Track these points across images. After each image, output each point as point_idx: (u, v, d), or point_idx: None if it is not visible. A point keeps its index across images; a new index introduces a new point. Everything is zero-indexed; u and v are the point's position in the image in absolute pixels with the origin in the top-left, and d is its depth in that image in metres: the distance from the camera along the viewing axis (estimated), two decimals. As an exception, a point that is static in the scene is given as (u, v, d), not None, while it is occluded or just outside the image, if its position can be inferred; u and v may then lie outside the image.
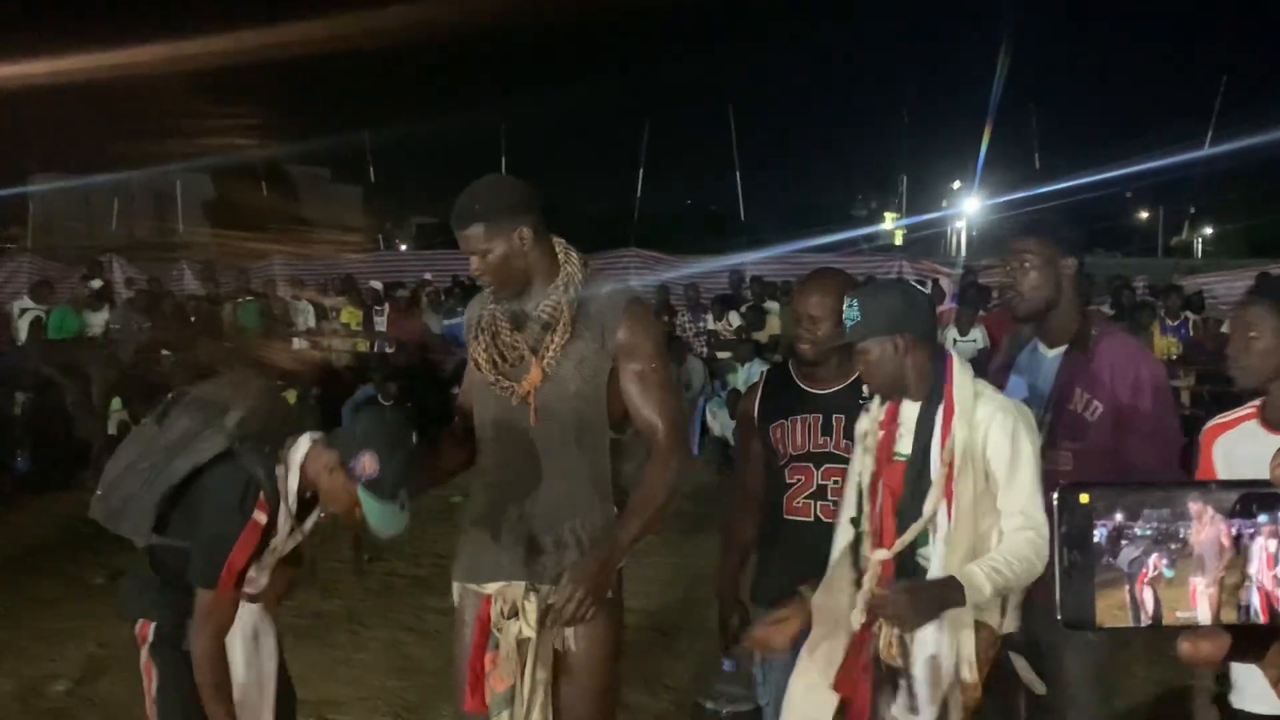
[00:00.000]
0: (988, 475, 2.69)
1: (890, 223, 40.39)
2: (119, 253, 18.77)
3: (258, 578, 2.93)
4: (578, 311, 2.85)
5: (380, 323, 13.60)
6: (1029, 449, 2.69)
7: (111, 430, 9.60)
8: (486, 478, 2.98)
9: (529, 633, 2.82)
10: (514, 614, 2.85)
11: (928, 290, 13.33)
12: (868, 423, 2.90)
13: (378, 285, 15.17)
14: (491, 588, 2.91)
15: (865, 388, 3.02)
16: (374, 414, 2.94)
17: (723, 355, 11.99)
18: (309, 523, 2.99)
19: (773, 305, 12.87)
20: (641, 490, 2.82)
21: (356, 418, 2.94)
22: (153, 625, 2.96)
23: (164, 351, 10.73)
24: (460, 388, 3.21)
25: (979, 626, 2.67)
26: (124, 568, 6.23)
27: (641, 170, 20.74)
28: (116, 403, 9.94)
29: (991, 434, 2.69)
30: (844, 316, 2.84)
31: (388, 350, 13.04)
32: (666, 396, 2.86)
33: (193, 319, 12.66)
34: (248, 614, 2.99)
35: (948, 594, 2.60)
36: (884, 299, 2.81)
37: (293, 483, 2.87)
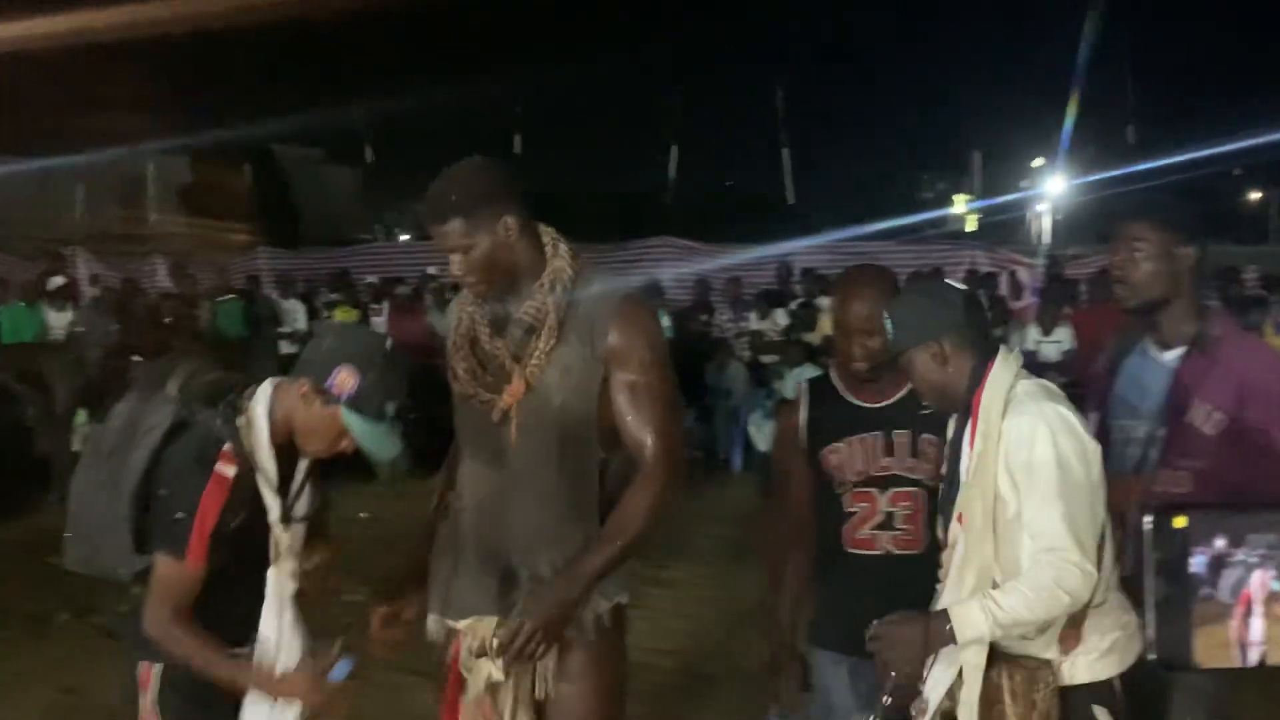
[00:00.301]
0: (1016, 491, 2.66)
1: (961, 206, 40.19)
2: (83, 245, 18.94)
3: (286, 565, 2.85)
4: (566, 313, 2.85)
5: (379, 324, 13.67)
6: (1049, 457, 2.62)
7: (76, 446, 9.68)
8: (462, 499, 3.02)
9: (498, 675, 2.85)
10: (484, 653, 2.87)
11: (1003, 282, 13.29)
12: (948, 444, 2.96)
13: (375, 281, 15.25)
14: (463, 623, 2.94)
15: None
16: (338, 325, 2.87)
17: (768, 359, 11.99)
18: (298, 483, 2.91)
19: (825, 302, 12.84)
20: (615, 516, 2.80)
21: (320, 331, 2.88)
22: (156, 669, 2.85)
23: (135, 357, 10.83)
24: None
25: (1016, 662, 2.66)
26: (92, 604, 6.33)
27: (675, 148, 20.74)
28: (81, 415, 10.03)
29: (1009, 443, 2.68)
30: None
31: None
32: (660, 411, 2.82)
33: (167, 320, 12.76)
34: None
35: (934, 630, 2.62)
36: (916, 304, 2.91)
37: (262, 434, 2.79)
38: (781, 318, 12.71)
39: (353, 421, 2.75)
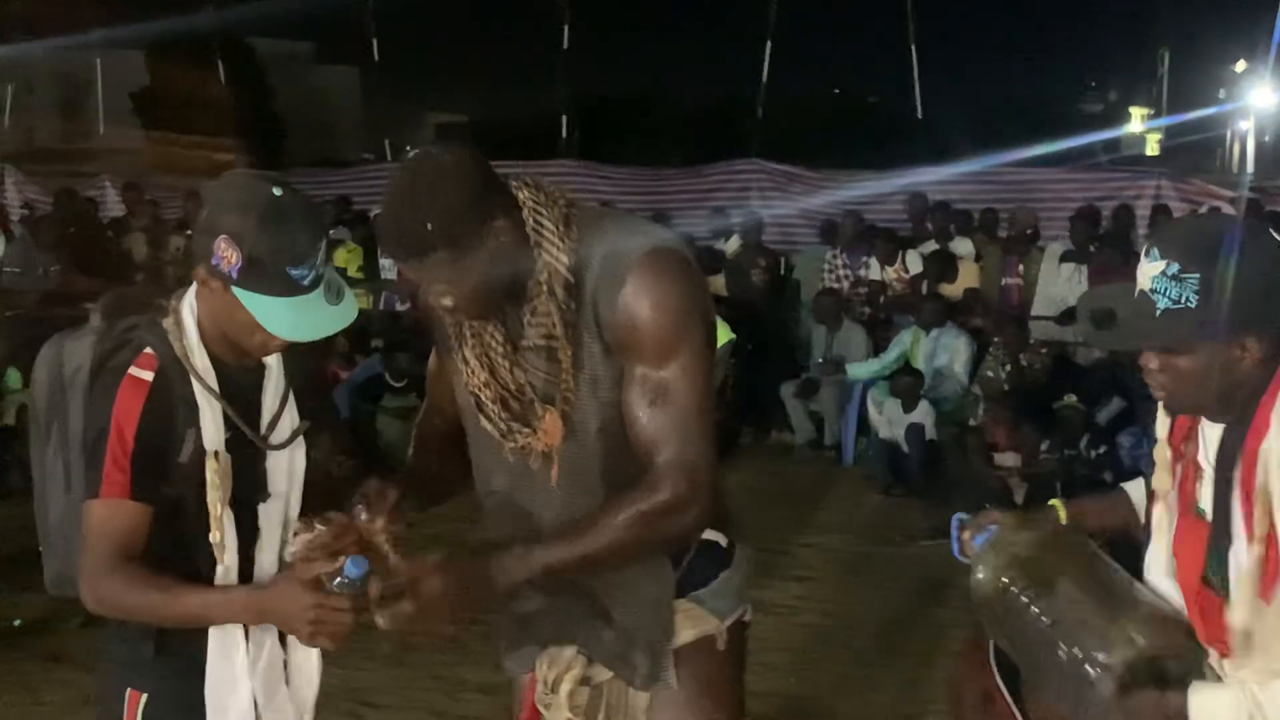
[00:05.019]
0: None
1: (1140, 123, 39.74)
2: (13, 163, 19.15)
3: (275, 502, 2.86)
4: (576, 308, 2.73)
5: (388, 266, 13.71)
6: None
7: (9, 419, 9.77)
8: (500, 533, 2.97)
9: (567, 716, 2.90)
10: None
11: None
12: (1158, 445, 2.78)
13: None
14: (541, 654, 2.99)
15: None
16: (214, 186, 2.79)
17: (894, 319, 11.89)
18: (271, 399, 2.89)
19: (965, 244, 12.66)
20: (591, 515, 2.70)
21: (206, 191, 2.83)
22: (143, 699, 2.86)
23: (85, 304, 10.90)
24: (431, 372, 3.15)
25: None
26: (53, 608, 6.36)
27: (769, 45, 20.56)
28: (14, 377, 10.10)
29: None
30: (1151, 286, 2.49)
31: (399, 307, 13.13)
32: (682, 415, 2.68)
33: (119, 255, 12.84)
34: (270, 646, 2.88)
35: (1169, 709, 2.54)
36: (1244, 269, 2.43)
37: (191, 333, 2.77)
38: (914, 263, 12.53)
39: (251, 303, 2.68)
